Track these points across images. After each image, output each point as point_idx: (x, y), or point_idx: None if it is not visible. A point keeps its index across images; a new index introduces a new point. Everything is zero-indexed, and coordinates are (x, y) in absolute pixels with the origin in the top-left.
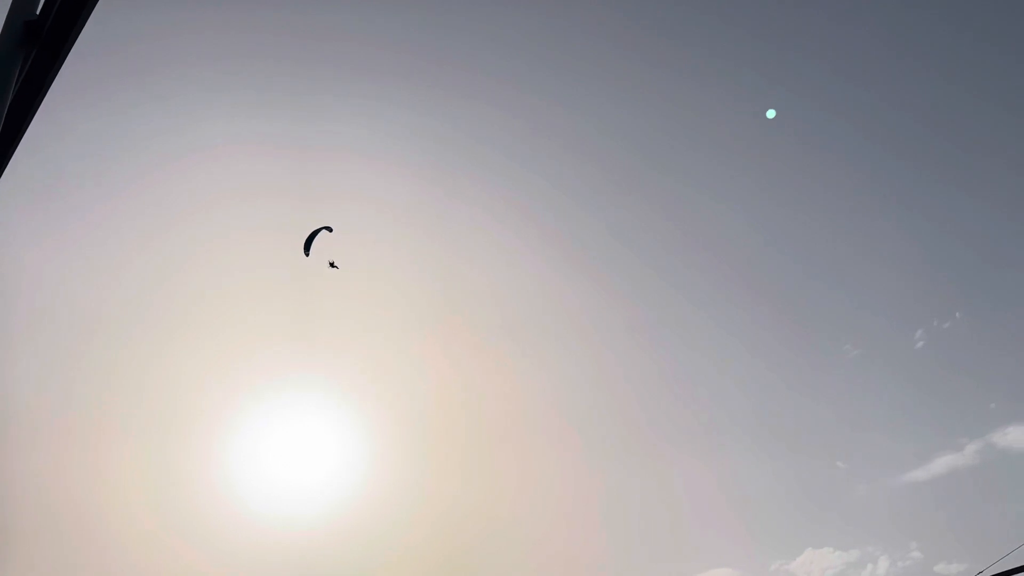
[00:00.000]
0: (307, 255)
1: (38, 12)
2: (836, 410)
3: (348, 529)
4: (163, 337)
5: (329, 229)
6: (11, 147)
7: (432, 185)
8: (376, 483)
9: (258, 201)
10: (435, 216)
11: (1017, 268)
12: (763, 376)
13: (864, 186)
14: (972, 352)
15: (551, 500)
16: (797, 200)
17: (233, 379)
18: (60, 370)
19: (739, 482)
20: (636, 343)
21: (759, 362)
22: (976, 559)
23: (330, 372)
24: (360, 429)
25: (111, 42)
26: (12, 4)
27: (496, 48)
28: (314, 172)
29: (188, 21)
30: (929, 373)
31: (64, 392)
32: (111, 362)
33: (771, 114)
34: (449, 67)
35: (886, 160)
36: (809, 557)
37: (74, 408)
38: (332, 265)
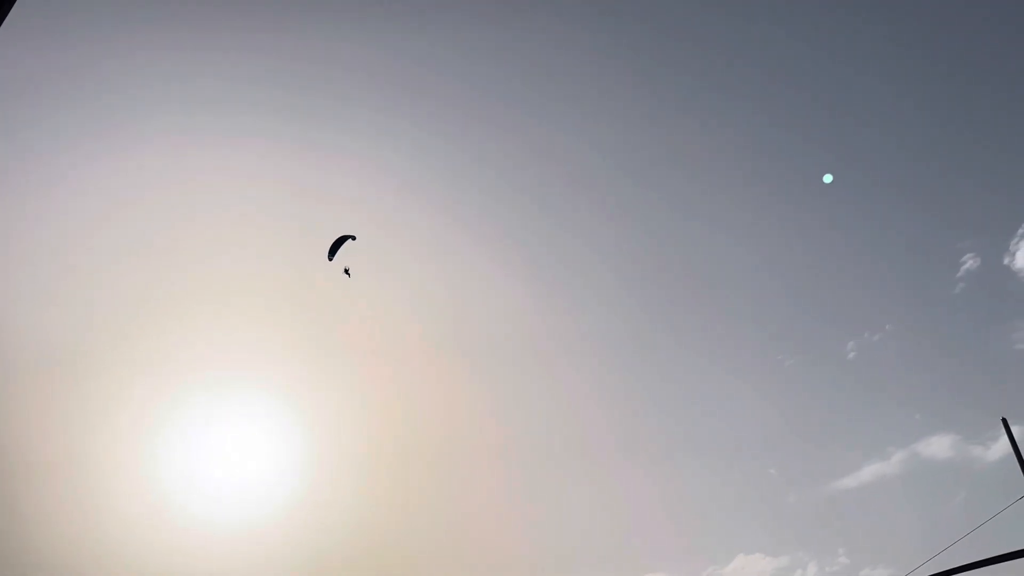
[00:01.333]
0: (330, 259)
1: None
2: (770, 418)
3: (284, 534)
4: (89, 326)
5: (353, 238)
6: None
7: (399, 193)
8: (314, 489)
9: (202, 195)
10: (397, 224)
11: (944, 285)
12: (700, 385)
13: (804, 198)
14: (900, 364)
15: (491, 505)
16: (737, 210)
17: (165, 375)
18: None
19: (675, 489)
20: (571, 354)
21: (696, 371)
22: (900, 564)
23: (269, 374)
24: (299, 435)
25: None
26: None
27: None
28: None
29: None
30: (859, 384)
31: None
32: (33, 352)
33: (828, 179)
34: (433, 78)
35: (824, 173)
36: (741, 563)
37: None
38: (346, 271)
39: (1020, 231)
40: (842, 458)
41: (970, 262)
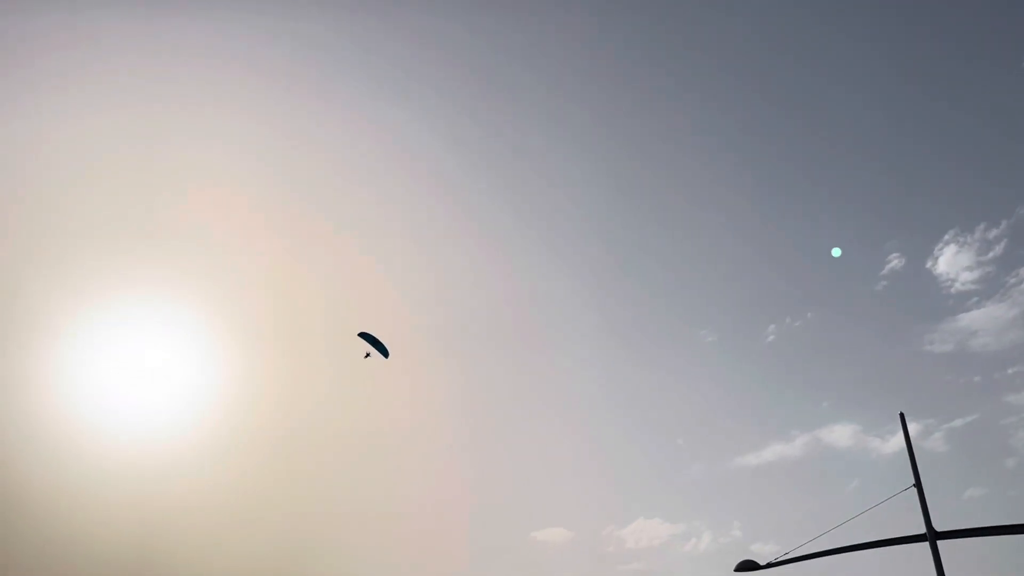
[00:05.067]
0: (360, 336)
1: None
2: (684, 391)
3: (195, 452)
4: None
5: (385, 354)
6: None
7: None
8: (226, 408)
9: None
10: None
11: (868, 281)
12: (621, 351)
13: (744, 182)
14: (815, 352)
15: (415, 451)
16: (670, 189)
17: (76, 283)
18: None
19: (584, 450)
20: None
21: (618, 337)
22: (787, 542)
23: (185, 289)
24: (214, 352)
25: None
26: None
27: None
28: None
29: None
30: (775, 366)
31: None
32: None
33: (837, 252)
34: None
35: (760, 159)
36: (640, 526)
37: None
38: (367, 355)
39: (945, 237)
40: (748, 436)
41: (895, 262)
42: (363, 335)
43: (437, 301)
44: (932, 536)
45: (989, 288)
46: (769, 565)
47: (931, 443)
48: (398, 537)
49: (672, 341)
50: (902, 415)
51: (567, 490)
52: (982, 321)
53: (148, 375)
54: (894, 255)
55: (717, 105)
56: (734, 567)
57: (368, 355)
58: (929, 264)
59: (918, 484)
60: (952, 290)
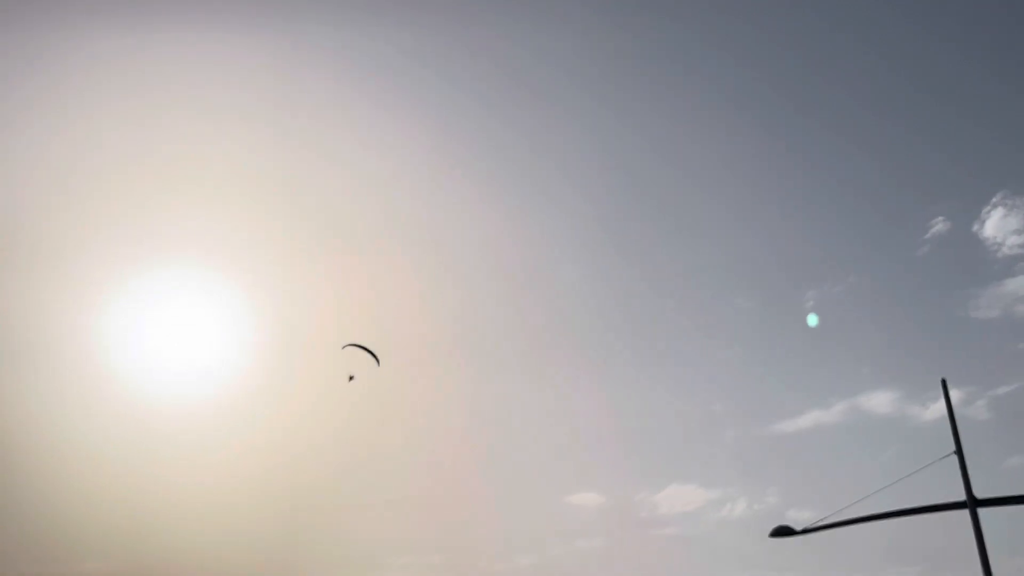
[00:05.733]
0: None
1: None
2: (721, 357)
3: (232, 411)
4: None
5: (375, 359)
6: None
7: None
8: (260, 368)
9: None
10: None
11: (911, 246)
12: (659, 315)
13: (783, 145)
14: (855, 318)
15: (438, 408)
16: (706, 151)
17: (112, 245)
18: None
19: (620, 414)
20: (534, 282)
21: (657, 301)
22: (823, 508)
23: (214, 252)
24: (246, 313)
25: None
26: None
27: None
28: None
29: None
30: (814, 332)
31: None
32: None
33: (813, 320)
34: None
35: (798, 121)
36: (674, 491)
37: None
38: (351, 378)
39: (993, 199)
40: (785, 402)
41: (939, 225)
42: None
43: (472, 263)
44: (972, 503)
45: None
46: (805, 531)
47: (973, 411)
48: (430, 501)
49: (708, 308)
50: (944, 381)
51: (600, 455)
52: None
53: (190, 341)
54: (939, 219)
55: (751, 62)
56: (769, 532)
57: (352, 378)
58: (976, 228)
59: (959, 451)
60: (999, 254)
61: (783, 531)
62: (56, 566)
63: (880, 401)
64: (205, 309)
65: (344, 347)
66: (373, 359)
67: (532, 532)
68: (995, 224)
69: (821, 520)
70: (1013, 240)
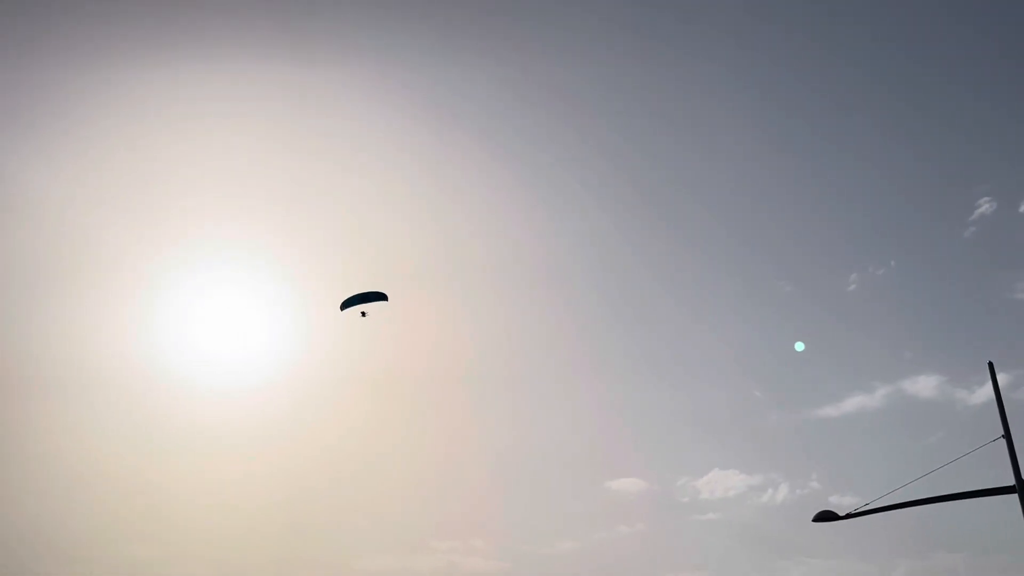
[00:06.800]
0: (343, 308)
1: None
2: (762, 341)
3: (281, 402)
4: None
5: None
6: None
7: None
8: (310, 357)
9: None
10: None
11: (956, 227)
12: (699, 304)
13: (824, 125)
14: (898, 301)
15: (478, 390)
16: (747, 137)
17: (160, 239)
18: None
19: (659, 401)
20: (571, 276)
21: (699, 287)
22: (866, 493)
23: (265, 240)
24: (295, 303)
25: None
26: None
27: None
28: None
29: None
30: (856, 316)
31: None
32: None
33: (800, 347)
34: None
35: (841, 110)
36: (716, 476)
37: None
38: (363, 314)
39: None
40: (827, 387)
41: (985, 207)
42: (350, 302)
43: (517, 243)
44: (1022, 488)
45: None
46: (848, 516)
47: (1021, 394)
48: (473, 486)
49: (750, 292)
50: (991, 364)
51: (642, 440)
52: None
53: (236, 328)
54: (984, 199)
55: (795, 51)
56: (812, 518)
57: (364, 314)
58: (1023, 208)
59: (1007, 434)
60: None
61: (826, 516)
62: (109, 549)
63: (925, 385)
64: (242, 296)
65: (344, 308)
66: (382, 299)
67: (574, 517)
68: None
69: (865, 505)
70: None
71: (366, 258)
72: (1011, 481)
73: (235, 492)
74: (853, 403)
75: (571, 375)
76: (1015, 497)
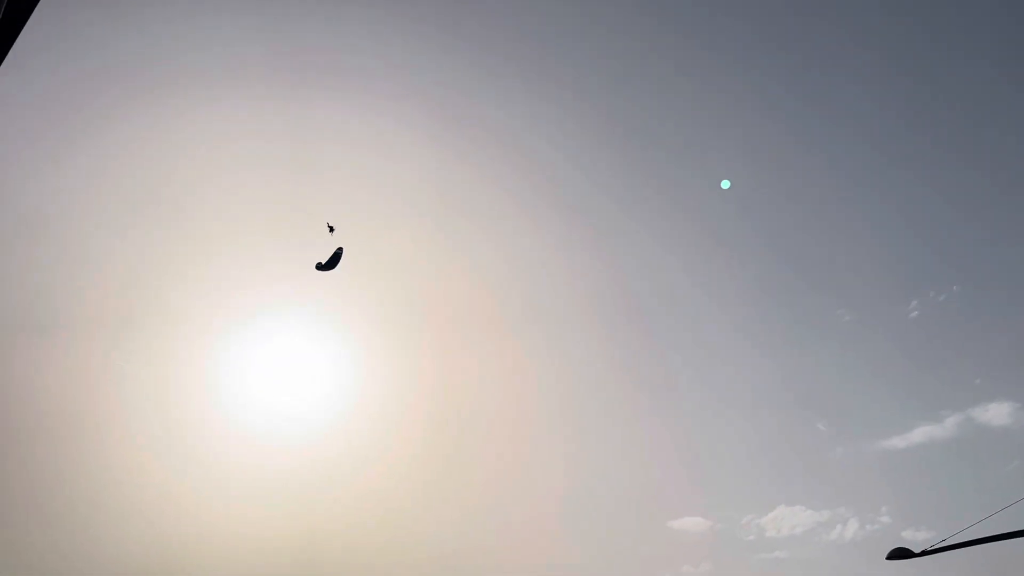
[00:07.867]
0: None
1: None
2: (825, 374)
3: (339, 449)
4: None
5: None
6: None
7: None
8: (366, 405)
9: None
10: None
11: (1021, 246)
12: (760, 336)
13: (879, 150)
14: (963, 327)
15: (526, 430)
16: (798, 160)
17: (222, 299)
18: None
19: (723, 437)
20: (622, 310)
21: (753, 322)
22: (941, 528)
23: (318, 293)
24: (349, 351)
25: None
26: None
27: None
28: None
29: None
30: (919, 344)
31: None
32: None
33: (726, 184)
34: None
35: (897, 131)
36: (781, 513)
37: (60, 325)
38: (331, 229)
39: None
40: (893, 418)
41: None
42: (327, 265)
43: (568, 283)
44: None
45: None
46: (924, 553)
47: None
48: (536, 528)
49: (808, 323)
50: None
51: (705, 478)
52: None
53: (290, 377)
54: None
55: (858, 71)
56: (886, 555)
57: (332, 229)
58: None
59: None
60: None
61: (901, 553)
62: None
63: (997, 413)
64: (298, 348)
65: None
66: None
67: (636, 559)
68: None
69: (942, 541)
70: None
71: (415, 298)
72: None
73: (295, 541)
74: (921, 433)
75: (629, 414)
76: None
